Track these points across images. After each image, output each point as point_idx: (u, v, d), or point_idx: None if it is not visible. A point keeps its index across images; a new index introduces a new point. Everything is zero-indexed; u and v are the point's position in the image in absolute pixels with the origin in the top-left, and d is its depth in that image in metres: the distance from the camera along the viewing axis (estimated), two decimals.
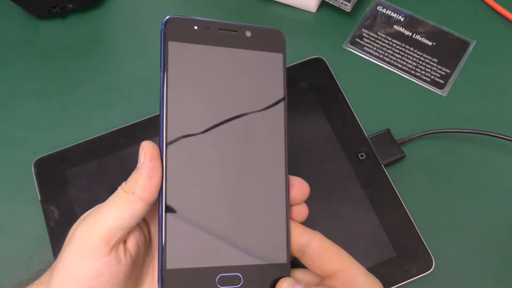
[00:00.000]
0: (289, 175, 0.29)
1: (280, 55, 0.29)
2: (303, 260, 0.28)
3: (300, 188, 0.29)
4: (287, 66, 0.43)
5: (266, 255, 0.27)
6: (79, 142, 0.40)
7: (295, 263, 0.29)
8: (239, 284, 0.26)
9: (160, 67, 0.27)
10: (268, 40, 0.29)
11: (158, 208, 0.26)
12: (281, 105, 0.29)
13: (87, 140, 0.41)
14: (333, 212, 0.39)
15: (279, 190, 0.28)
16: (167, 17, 0.27)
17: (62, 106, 0.44)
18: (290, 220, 0.29)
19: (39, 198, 0.39)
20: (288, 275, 0.28)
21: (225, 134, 0.27)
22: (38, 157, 0.40)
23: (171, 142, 0.26)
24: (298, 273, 0.29)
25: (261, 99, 0.28)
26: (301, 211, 0.29)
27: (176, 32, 0.27)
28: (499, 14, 0.47)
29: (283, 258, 0.28)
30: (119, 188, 0.26)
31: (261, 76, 0.29)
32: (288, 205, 0.29)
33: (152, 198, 0.26)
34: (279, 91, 0.29)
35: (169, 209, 0.26)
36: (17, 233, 0.39)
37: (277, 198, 0.28)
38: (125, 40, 0.47)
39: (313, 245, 0.28)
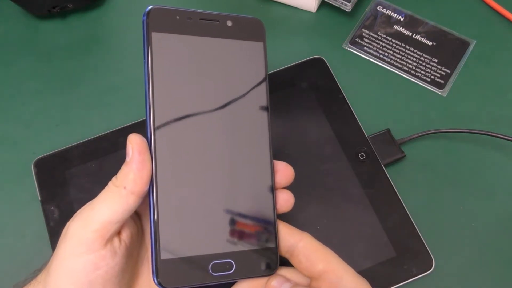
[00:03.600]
0: (274, 160, 0.29)
1: (261, 44, 0.30)
2: (292, 261, 0.29)
3: (284, 172, 0.30)
4: (287, 66, 0.43)
5: (256, 241, 0.28)
6: (79, 142, 0.40)
7: (284, 262, 0.29)
8: (231, 270, 0.27)
9: (144, 58, 0.27)
10: (248, 29, 0.30)
11: (149, 199, 0.26)
12: (264, 93, 0.30)
13: (87, 140, 0.41)
14: (333, 212, 0.39)
15: (265, 177, 0.29)
16: (149, 7, 0.27)
17: (62, 106, 0.44)
18: (279, 221, 0.29)
19: (39, 198, 0.39)
20: (277, 259, 0.28)
21: (210, 124, 0.28)
22: (38, 157, 0.40)
23: (158, 133, 0.26)
24: (287, 273, 0.29)
25: (243, 87, 0.29)
26: (287, 200, 0.29)
27: (158, 23, 0.27)
28: (499, 14, 0.47)
29: (272, 243, 0.28)
30: (110, 183, 0.26)
31: (243, 65, 0.29)
32: (275, 191, 0.29)
33: (143, 191, 0.26)
34: (261, 79, 0.29)
35: (160, 201, 0.26)
36: (17, 233, 0.39)
37: (263, 185, 0.29)
38: (125, 40, 0.47)
39: (301, 246, 0.28)
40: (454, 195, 0.40)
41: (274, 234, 0.28)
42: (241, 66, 0.29)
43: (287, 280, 0.28)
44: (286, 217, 0.30)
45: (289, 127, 0.41)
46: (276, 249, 0.28)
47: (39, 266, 0.29)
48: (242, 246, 0.27)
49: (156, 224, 0.26)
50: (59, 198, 0.38)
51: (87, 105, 0.44)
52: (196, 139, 0.27)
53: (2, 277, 0.38)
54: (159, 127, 0.26)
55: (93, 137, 0.41)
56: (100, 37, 0.47)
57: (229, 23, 0.29)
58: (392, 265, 0.37)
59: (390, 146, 0.41)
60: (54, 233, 0.37)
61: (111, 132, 0.41)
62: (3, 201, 0.40)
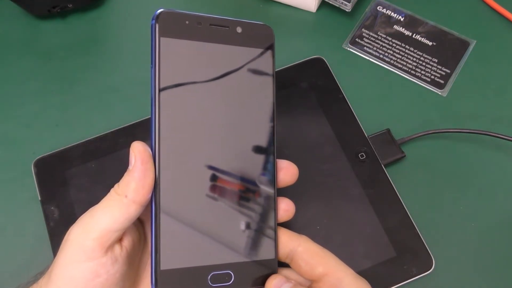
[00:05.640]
0: (278, 159, 0.29)
1: (270, 51, 0.29)
2: (292, 266, 0.29)
3: (288, 170, 0.29)
4: (287, 66, 0.43)
5: (255, 252, 0.28)
6: (79, 142, 0.40)
7: (284, 263, 0.29)
8: (230, 281, 0.27)
9: (151, 64, 0.26)
10: (258, 35, 0.29)
11: (151, 209, 0.26)
12: (271, 102, 0.29)
13: (87, 140, 0.41)
14: (333, 212, 0.39)
15: (268, 187, 0.29)
16: (159, 10, 0.26)
17: (62, 106, 0.44)
18: (277, 227, 0.29)
19: (39, 198, 0.39)
20: (276, 270, 0.28)
21: (217, 133, 0.27)
22: (38, 157, 0.40)
23: (163, 143, 0.26)
24: (287, 274, 0.29)
25: (251, 95, 0.29)
26: (286, 210, 0.29)
27: (167, 27, 0.26)
28: (499, 14, 0.47)
29: (271, 254, 0.28)
30: (112, 191, 0.26)
31: (251, 73, 0.29)
32: (276, 201, 0.29)
33: (145, 200, 0.25)
34: (269, 87, 0.29)
35: (162, 211, 0.26)
36: (17, 233, 0.39)
37: (265, 195, 0.29)
38: (125, 40, 0.47)
39: (300, 250, 0.28)
40: (454, 195, 0.40)
41: (273, 245, 0.28)
42: (249, 74, 0.29)
43: (288, 280, 0.27)
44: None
45: (289, 127, 0.41)
46: (275, 260, 0.28)
47: (41, 269, 0.29)
48: (241, 257, 0.27)
49: (157, 234, 0.25)
50: (59, 198, 0.38)
51: (87, 105, 0.44)
52: (201, 149, 0.27)
53: (2, 277, 0.38)
54: (165, 136, 0.26)
55: (93, 137, 0.41)
56: (100, 37, 0.47)
57: (239, 30, 0.29)
58: (392, 265, 0.37)
59: (390, 146, 0.41)
60: (54, 233, 0.37)
61: (111, 132, 0.41)
62: (3, 201, 0.40)
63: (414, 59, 0.45)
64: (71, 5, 0.45)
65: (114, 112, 0.43)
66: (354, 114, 0.42)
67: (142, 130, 0.41)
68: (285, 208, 0.29)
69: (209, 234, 0.27)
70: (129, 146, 0.26)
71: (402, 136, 0.41)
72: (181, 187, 0.26)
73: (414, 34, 0.46)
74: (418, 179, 0.41)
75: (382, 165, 0.40)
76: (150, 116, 0.27)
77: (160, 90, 0.26)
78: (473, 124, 0.43)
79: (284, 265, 0.29)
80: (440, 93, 0.44)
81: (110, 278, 0.25)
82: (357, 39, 0.46)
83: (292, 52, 0.45)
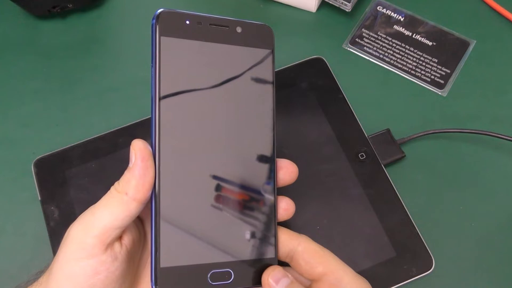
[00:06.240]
0: (278, 158, 0.29)
1: (269, 51, 0.30)
2: (292, 265, 0.29)
3: (288, 169, 0.30)
4: (287, 66, 0.43)
5: (255, 251, 0.28)
6: (79, 142, 0.40)
7: (284, 263, 0.29)
8: (230, 279, 0.27)
9: (152, 63, 0.26)
10: (258, 35, 0.29)
11: (151, 207, 0.26)
12: (271, 102, 0.29)
13: (87, 140, 0.41)
14: (333, 212, 0.39)
15: (268, 185, 0.29)
16: (159, 10, 0.27)
17: (62, 106, 0.44)
18: (278, 226, 0.29)
19: (39, 198, 0.39)
20: None
21: (216, 131, 0.28)
22: (38, 157, 0.40)
23: (163, 141, 0.26)
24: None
25: (251, 95, 0.29)
26: (287, 209, 0.29)
27: (168, 27, 0.27)
28: (499, 14, 0.47)
29: (271, 253, 0.28)
30: (112, 188, 0.26)
31: (251, 72, 0.29)
32: (276, 200, 0.29)
33: (145, 198, 0.26)
34: (269, 86, 0.29)
35: (162, 208, 0.26)
36: (17, 233, 0.39)
37: (265, 194, 0.29)
38: (125, 40, 0.47)
39: (300, 250, 0.28)
40: (454, 195, 0.40)
41: (273, 243, 0.28)
42: (249, 73, 0.29)
43: (286, 274, 0.27)
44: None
45: (289, 127, 0.41)
46: (275, 259, 0.28)
47: (42, 267, 0.29)
48: (241, 256, 0.27)
49: (157, 232, 0.26)
50: (59, 198, 0.38)
51: (87, 105, 0.44)
52: (201, 147, 0.27)
53: (2, 277, 0.38)
54: (165, 135, 0.26)
55: (93, 137, 0.41)
56: (100, 37, 0.47)
57: (239, 29, 0.29)
58: (392, 265, 0.37)
59: (390, 146, 0.41)
60: (54, 233, 0.37)
61: (111, 132, 0.41)
62: (3, 201, 0.40)
63: (414, 59, 0.45)
64: (71, 5, 0.45)
65: (114, 112, 0.43)
66: (354, 114, 0.42)
67: (142, 130, 0.41)
68: (285, 207, 0.29)
69: (209, 232, 0.27)
70: (129, 146, 0.26)
71: (402, 136, 0.41)
72: (181, 185, 0.26)
73: (414, 34, 0.46)
74: (418, 179, 0.41)
75: (382, 165, 0.40)
76: (150, 116, 0.27)
77: (160, 89, 0.26)
78: (473, 124, 0.43)
79: (284, 264, 0.29)
80: (440, 93, 0.44)
81: (110, 276, 0.25)
82: (357, 39, 0.46)
83: (292, 52, 0.45)
